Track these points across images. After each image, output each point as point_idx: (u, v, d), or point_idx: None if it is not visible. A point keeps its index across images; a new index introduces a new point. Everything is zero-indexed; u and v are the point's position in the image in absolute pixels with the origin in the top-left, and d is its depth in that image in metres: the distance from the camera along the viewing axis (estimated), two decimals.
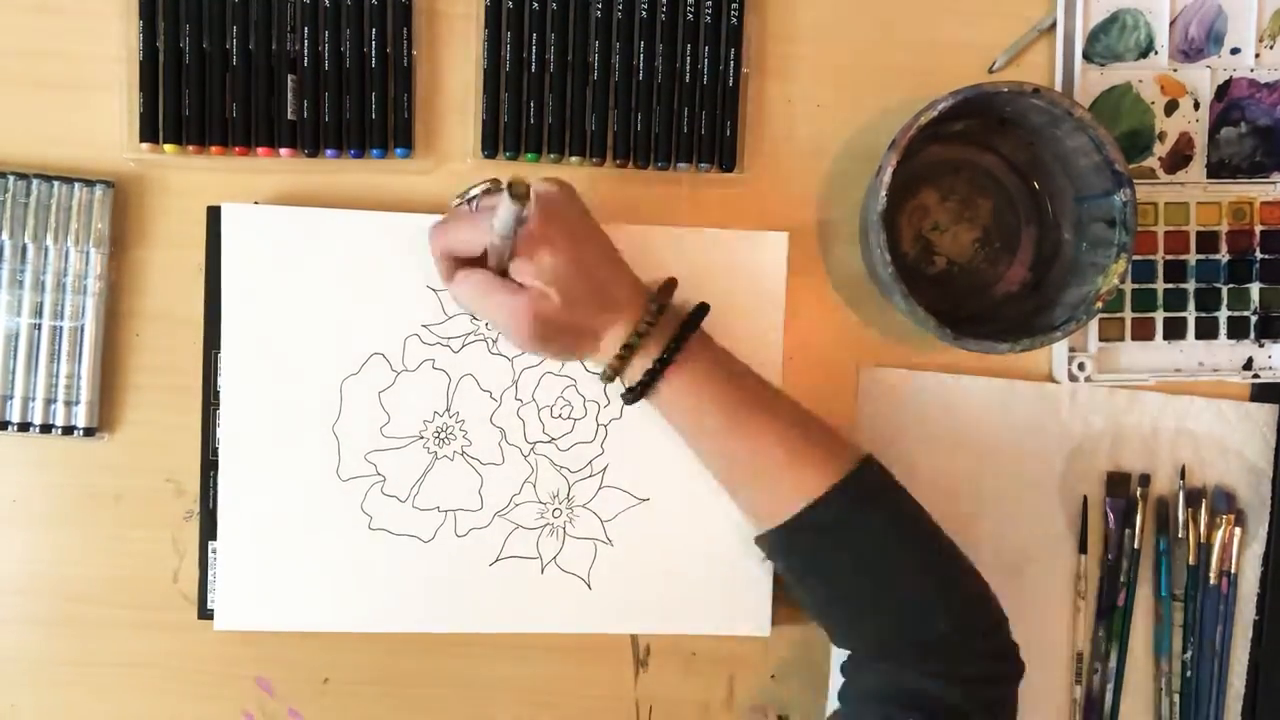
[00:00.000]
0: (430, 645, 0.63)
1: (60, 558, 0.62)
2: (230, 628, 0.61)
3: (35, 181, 0.59)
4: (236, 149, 0.60)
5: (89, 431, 0.60)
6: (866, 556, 0.55)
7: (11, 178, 0.59)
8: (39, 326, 0.59)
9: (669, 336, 0.56)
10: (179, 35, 0.59)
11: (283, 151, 0.60)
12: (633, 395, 0.57)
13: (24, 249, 0.59)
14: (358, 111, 0.61)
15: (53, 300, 0.60)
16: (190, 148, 0.60)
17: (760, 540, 0.59)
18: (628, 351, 0.56)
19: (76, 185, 0.59)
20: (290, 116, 0.60)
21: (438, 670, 0.64)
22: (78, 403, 0.60)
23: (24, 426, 0.60)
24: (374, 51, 0.61)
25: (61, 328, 0.60)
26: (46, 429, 0.60)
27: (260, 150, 0.60)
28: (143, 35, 0.59)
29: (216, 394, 0.61)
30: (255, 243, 0.60)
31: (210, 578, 0.61)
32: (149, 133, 0.60)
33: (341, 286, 0.61)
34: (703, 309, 0.59)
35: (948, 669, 0.53)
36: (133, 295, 0.61)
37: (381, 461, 0.61)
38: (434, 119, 0.63)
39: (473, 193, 0.56)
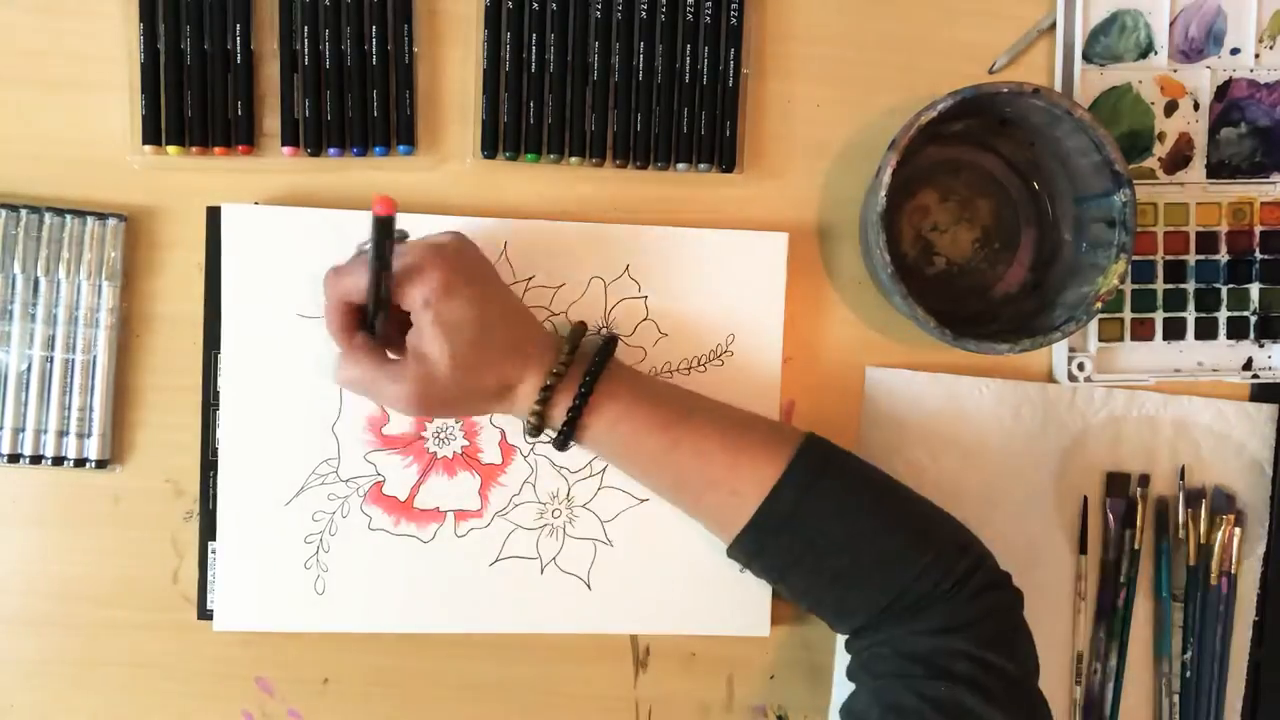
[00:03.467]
0: (430, 645, 0.63)
1: (60, 558, 0.62)
2: (230, 628, 0.61)
3: (48, 214, 0.59)
4: (240, 147, 0.60)
5: (101, 464, 0.60)
6: (833, 533, 0.54)
7: (24, 211, 0.59)
8: (51, 359, 0.60)
9: (584, 372, 0.55)
10: (180, 36, 0.59)
11: (285, 150, 0.60)
12: (562, 439, 0.56)
13: (36, 282, 0.60)
14: (360, 109, 0.61)
15: (65, 333, 0.60)
16: (193, 149, 0.60)
17: (732, 552, 0.58)
18: (547, 394, 0.54)
19: (89, 218, 0.60)
20: (294, 115, 0.60)
21: (438, 670, 0.64)
22: (90, 435, 0.60)
23: (36, 459, 0.60)
24: (375, 49, 0.61)
25: (74, 360, 0.60)
26: (59, 461, 0.60)
27: (261, 146, 0.60)
28: (144, 37, 0.59)
29: (216, 394, 0.61)
30: (255, 243, 0.60)
31: (210, 578, 0.61)
32: (151, 134, 0.60)
33: None
34: (612, 341, 0.58)
35: (945, 621, 0.53)
36: (133, 296, 0.61)
37: (381, 462, 0.61)
38: (436, 117, 0.63)
39: (367, 246, 0.53)
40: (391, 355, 0.55)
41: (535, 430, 0.56)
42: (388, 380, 0.53)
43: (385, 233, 0.49)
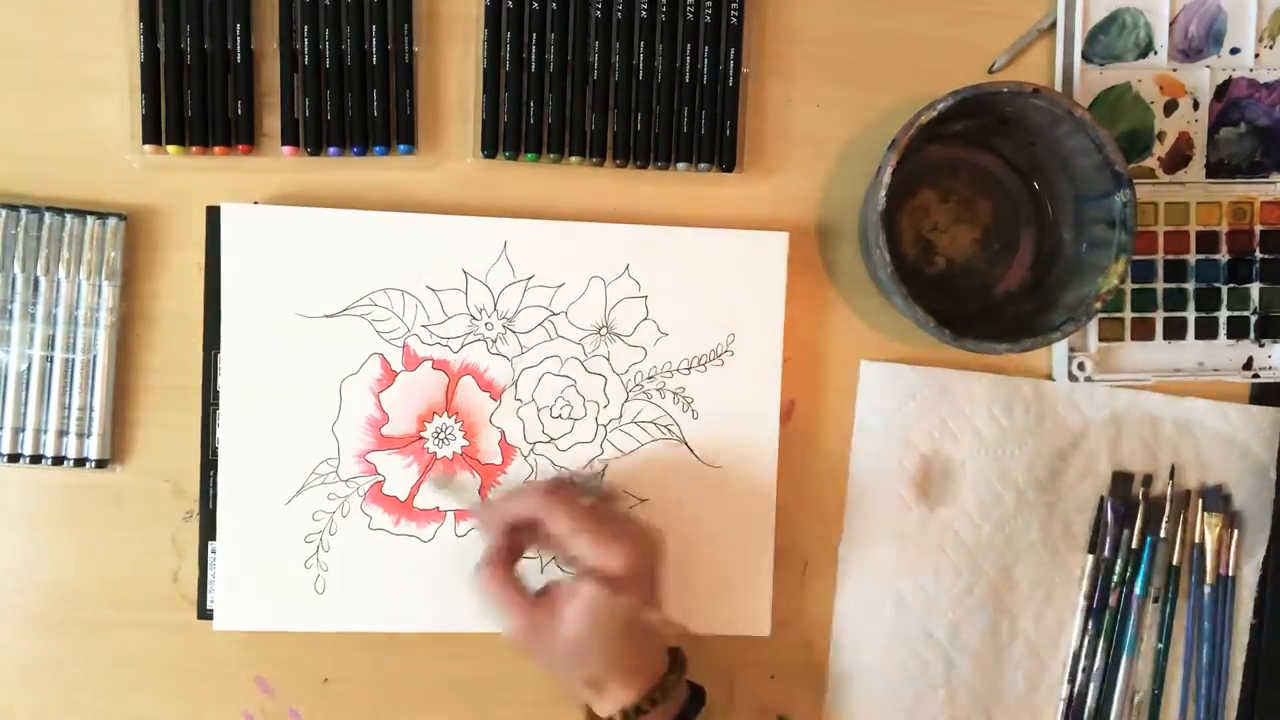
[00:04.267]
0: (430, 645, 0.63)
1: (60, 558, 0.62)
2: (230, 628, 0.61)
3: (47, 214, 0.59)
4: (240, 147, 0.60)
5: (101, 463, 0.60)
6: None
7: (24, 210, 0.59)
8: (51, 359, 0.60)
9: (670, 714, 0.55)
10: (180, 35, 0.59)
11: (285, 150, 0.60)
12: None
13: (36, 282, 0.60)
14: (359, 109, 0.61)
15: (65, 333, 0.60)
16: (193, 148, 0.60)
17: None
18: (635, 715, 0.53)
19: (89, 218, 0.60)
20: (294, 114, 0.60)
21: (438, 670, 0.64)
22: (90, 435, 0.60)
23: (36, 459, 0.60)
24: (375, 48, 0.61)
25: (74, 360, 0.60)
26: (59, 461, 0.60)
27: (261, 145, 0.60)
28: (143, 36, 0.59)
29: (216, 394, 0.61)
30: (255, 243, 0.60)
31: (210, 578, 0.61)
32: (151, 134, 0.60)
33: (340, 286, 0.61)
34: (700, 696, 0.57)
35: None
36: (133, 296, 0.61)
37: (381, 462, 0.61)
38: (436, 117, 0.63)
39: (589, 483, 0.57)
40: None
41: None
42: (515, 609, 0.53)
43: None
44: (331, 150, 0.61)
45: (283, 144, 0.60)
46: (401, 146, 0.61)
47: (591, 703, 0.55)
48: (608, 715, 0.54)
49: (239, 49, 0.60)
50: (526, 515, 0.55)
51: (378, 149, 0.61)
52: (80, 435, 0.60)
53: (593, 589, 0.53)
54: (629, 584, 0.53)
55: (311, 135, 0.60)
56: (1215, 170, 0.66)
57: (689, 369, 0.63)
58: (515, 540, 0.56)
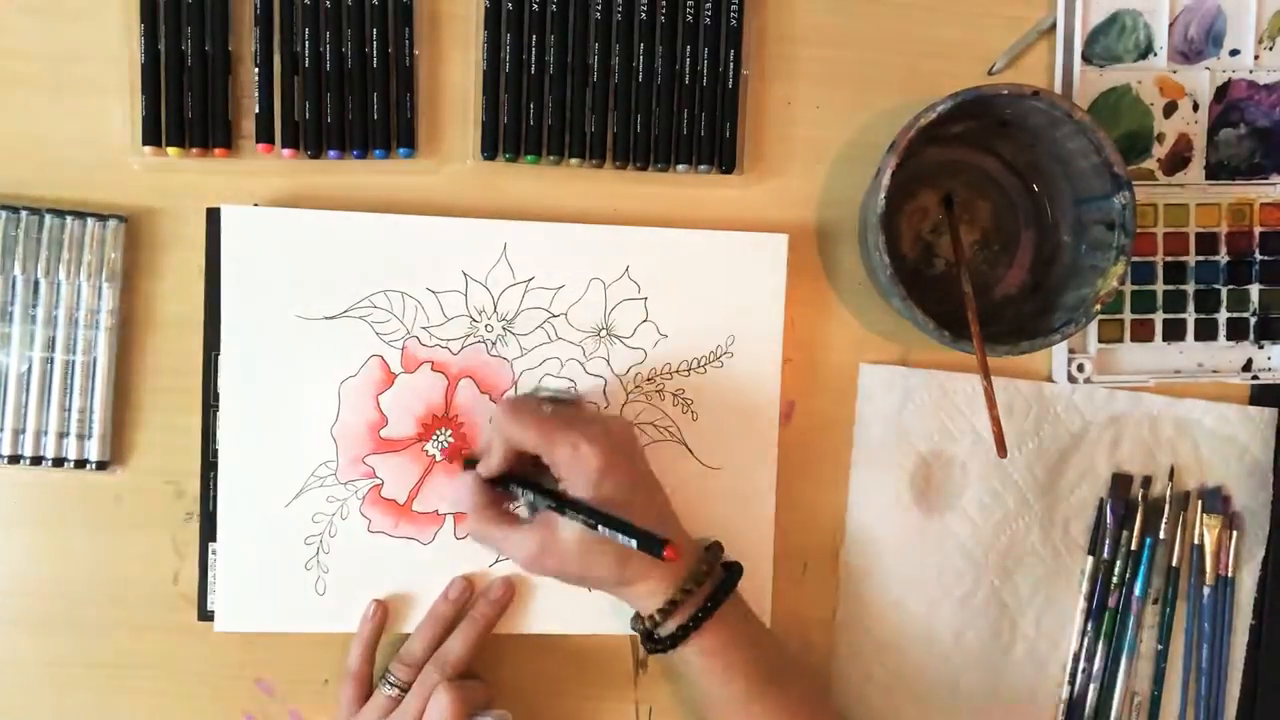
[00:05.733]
0: None
1: (60, 559, 0.62)
2: (230, 629, 0.61)
3: (48, 216, 0.59)
4: (241, 149, 0.60)
5: (102, 465, 0.60)
6: None
7: (24, 212, 0.59)
8: (51, 361, 0.60)
9: (706, 594, 0.56)
10: (180, 38, 0.59)
11: (285, 152, 0.60)
12: (658, 648, 0.57)
13: (36, 283, 0.60)
14: (360, 112, 0.61)
15: (65, 334, 0.60)
16: (194, 150, 0.60)
17: None
18: (672, 606, 0.55)
19: (89, 220, 0.60)
20: (295, 117, 0.60)
21: None
22: (90, 436, 0.60)
23: (36, 460, 0.60)
24: (375, 52, 0.61)
25: (74, 362, 0.60)
26: (59, 463, 0.60)
27: (261, 147, 0.60)
28: (144, 38, 0.59)
29: (216, 395, 0.61)
30: (254, 244, 0.60)
31: (210, 579, 0.61)
32: (152, 135, 0.60)
33: (340, 288, 0.61)
34: (737, 570, 0.58)
35: None
36: (133, 297, 0.61)
37: (380, 465, 0.61)
38: (436, 120, 0.63)
39: (544, 392, 0.59)
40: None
41: (647, 633, 0.57)
42: (514, 541, 0.56)
43: (648, 546, 0.51)
44: (331, 153, 0.61)
45: (282, 146, 0.60)
46: (402, 150, 0.61)
47: (630, 603, 0.57)
48: (649, 614, 0.56)
49: (240, 51, 0.60)
50: (502, 450, 0.57)
51: (378, 152, 0.61)
52: (80, 437, 0.60)
53: (580, 487, 0.54)
54: (611, 474, 0.54)
55: (311, 138, 0.60)
56: (1215, 172, 0.66)
57: (689, 371, 0.63)
58: (500, 479, 0.59)
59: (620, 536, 0.52)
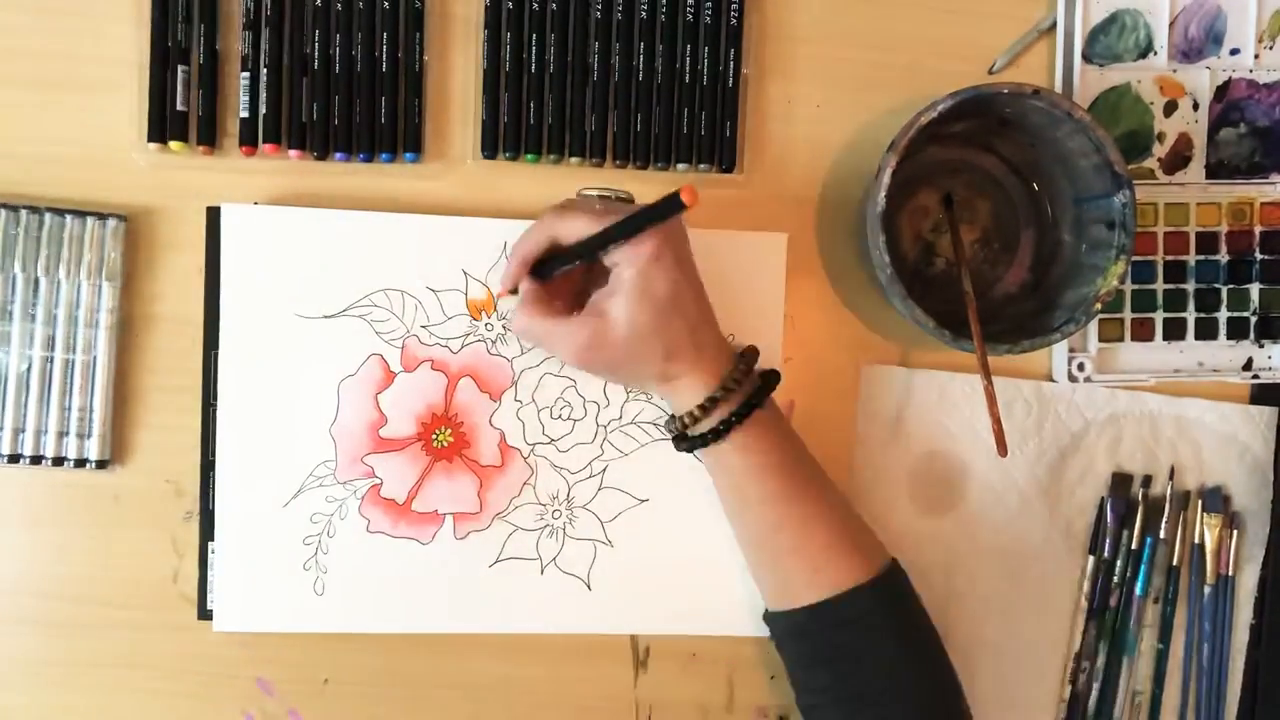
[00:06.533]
0: (430, 645, 0.63)
1: (60, 558, 0.62)
2: (230, 628, 0.61)
3: (48, 215, 0.59)
4: (243, 148, 0.60)
5: (101, 464, 0.60)
6: (883, 657, 0.55)
7: (24, 211, 0.59)
8: (51, 360, 0.60)
9: (745, 395, 0.56)
10: (190, 36, 0.59)
11: (292, 153, 0.60)
12: (690, 445, 0.57)
13: (36, 282, 0.59)
14: (368, 115, 0.61)
15: (65, 333, 0.60)
16: (200, 147, 0.60)
17: (773, 619, 0.59)
18: (711, 404, 0.56)
19: (89, 219, 0.59)
20: (301, 119, 0.60)
21: (438, 670, 0.64)
22: (90, 435, 0.60)
23: (36, 459, 0.60)
24: (385, 56, 0.61)
25: (74, 361, 0.60)
26: (59, 462, 0.60)
27: (267, 147, 0.60)
28: (153, 36, 0.59)
29: (216, 394, 0.61)
30: (254, 243, 0.60)
31: (210, 578, 0.61)
32: (157, 131, 0.59)
33: (339, 287, 0.61)
34: (776, 375, 0.58)
35: None
36: (133, 296, 0.61)
37: (379, 464, 0.61)
38: (439, 122, 0.63)
39: (590, 192, 0.57)
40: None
41: (681, 428, 0.57)
42: (564, 333, 0.55)
43: (669, 210, 0.50)
44: (338, 155, 0.61)
45: (289, 147, 0.60)
46: (408, 154, 0.61)
47: (671, 399, 0.58)
48: (687, 410, 0.56)
49: (250, 51, 0.60)
50: (544, 241, 0.56)
51: (384, 156, 0.61)
52: (80, 436, 0.60)
53: (632, 272, 0.53)
54: (662, 260, 0.53)
55: (319, 140, 0.60)
56: (1215, 171, 0.66)
57: None
58: (545, 273, 0.57)
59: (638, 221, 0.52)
